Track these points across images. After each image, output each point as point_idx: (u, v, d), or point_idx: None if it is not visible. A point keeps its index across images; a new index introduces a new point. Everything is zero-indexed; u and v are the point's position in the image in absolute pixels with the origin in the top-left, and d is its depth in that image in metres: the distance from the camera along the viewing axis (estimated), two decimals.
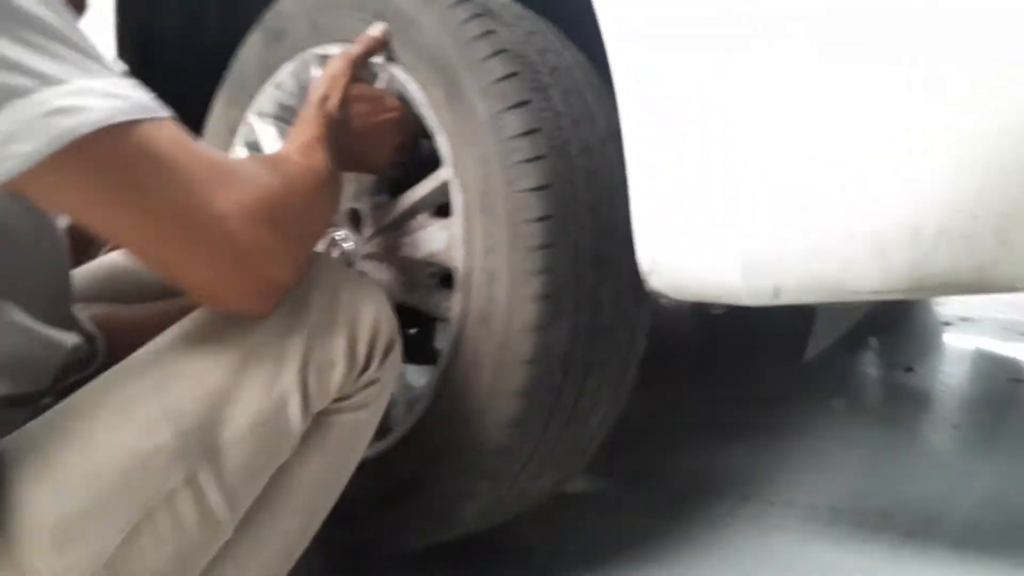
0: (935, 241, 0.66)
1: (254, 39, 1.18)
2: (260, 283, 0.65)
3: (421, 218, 0.98)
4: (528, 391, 0.86)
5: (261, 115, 1.18)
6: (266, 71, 1.16)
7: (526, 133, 0.85)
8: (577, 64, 0.94)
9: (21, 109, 0.51)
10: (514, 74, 0.87)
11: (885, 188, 0.67)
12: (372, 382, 0.76)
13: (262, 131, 1.17)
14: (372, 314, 0.74)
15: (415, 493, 0.96)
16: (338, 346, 0.71)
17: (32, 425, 0.63)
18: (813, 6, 0.69)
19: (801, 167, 0.71)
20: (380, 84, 0.99)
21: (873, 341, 1.88)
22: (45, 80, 0.52)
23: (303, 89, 1.13)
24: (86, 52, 0.56)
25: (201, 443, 0.64)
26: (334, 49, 1.04)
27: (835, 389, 1.67)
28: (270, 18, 1.15)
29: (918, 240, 0.67)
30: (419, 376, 1.02)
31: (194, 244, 0.60)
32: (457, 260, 0.91)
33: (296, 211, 0.69)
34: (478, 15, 0.91)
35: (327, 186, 0.77)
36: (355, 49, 0.94)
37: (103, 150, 0.54)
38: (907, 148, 0.66)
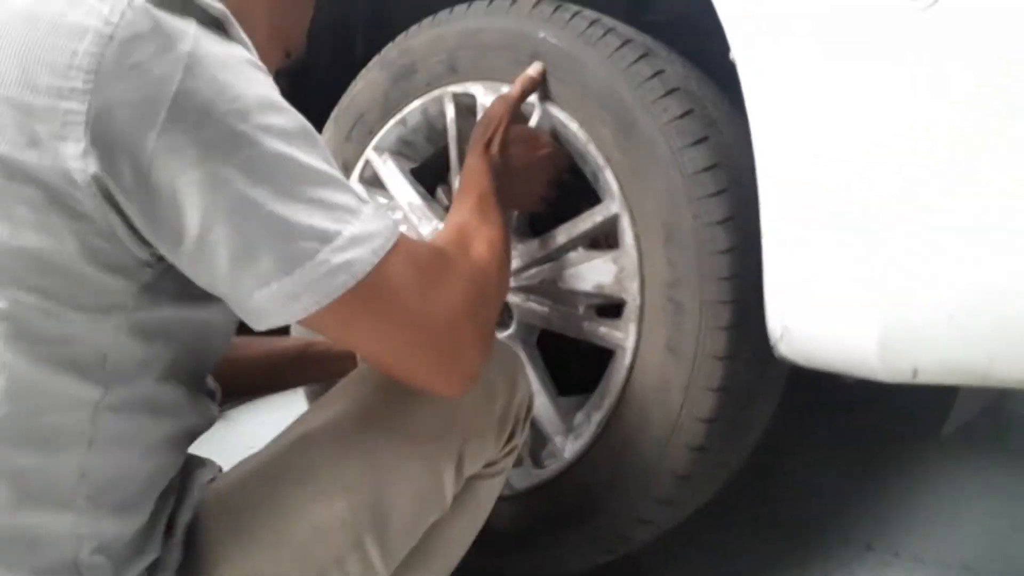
0: None
1: (375, 75, 1.18)
2: (466, 371, 0.70)
3: (581, 251, 0.99)
4: (714, 418, 0.87)
5: (380, 150, 1.18)
6: (390, 107, 1.16)
7: (708, 168, 0.87)
8: (721, 98, 0.97)
9: (306, 272, 0.58)
10: (690, 111, 0.89)
11: None
12: (513, 450, 0.85)
13: (381, 167, 1.18)
14: (524, 390, 0.83)
15: (589, 519, 0.97)
16: (493, 423, 0.79)
17: (224, 484, 0.70)
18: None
19: (952, 238, 0.67)
20: (532, 122, 1.00)
21: None
22: (323, 239, 0.58)
23: (430, 126, 1.15)
24: (337, 181, 0.61)
25: (370, 514, 0.70)
26: (475, 88, 1.06)
27: (980, 430, 1.49)
28: (395, 55, 1.16)
29: None
30: (571, 406, 1.02)
31: (415, 346, 0.66)
32: (630, 291, 0.93)
33: (492, 297, 0.76)
34: (645, 55, 0.93)
35: (507, 242, 0.82)
36: (515, 90, 0.96)
37: (363, 292, 0.60)
38: None
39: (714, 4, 0.79)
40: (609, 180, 0.95)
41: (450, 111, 1.10)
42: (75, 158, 0.53)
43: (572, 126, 0.98)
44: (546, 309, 1.03)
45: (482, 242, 0.78)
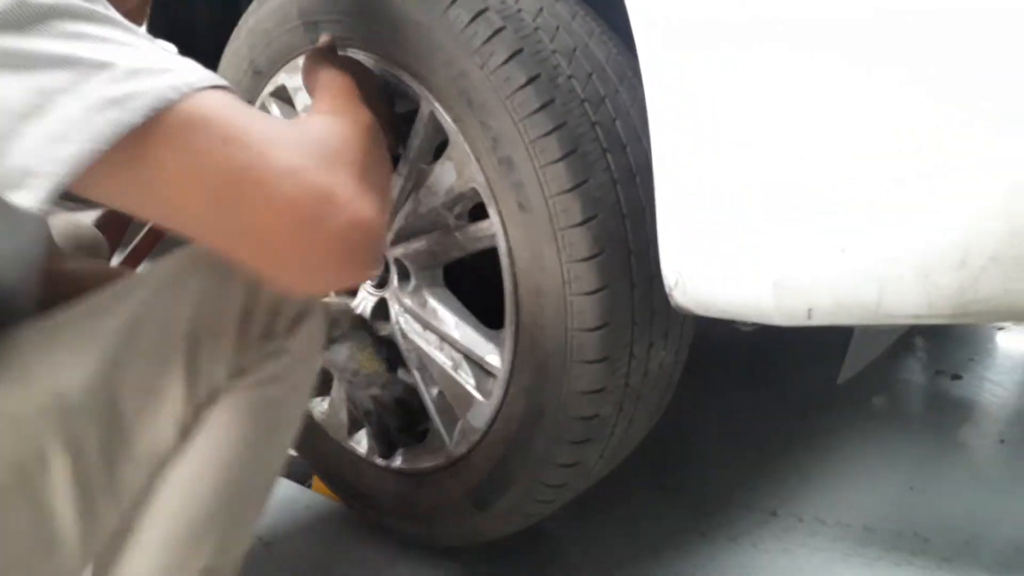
0: (986, 265, 0.61)
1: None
2: (344, 231, 0.55)
3: (423, 168, 0.97)
4: (596, 253, 0.82)
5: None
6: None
7: (491, 38, 0.83)
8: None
9: (66, 107, 0.48)
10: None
11: (934, 209, 0.62)
12: (278, 353, 0.68)
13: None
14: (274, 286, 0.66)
15: (538, 424, 0.91)
16: (231, 316, 0.65)
17: None
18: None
19: (840, 182, 0.65)
20: None
21: (918, 344, 1.80)
22: (91, 68, 0.49)
23: None
24: (125, 27, 0.53)
25: (78, 406, 0.60)
26: (280, 77, 1.06)
27: (874, 397, 1.56)
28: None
29: (968, 263, 0.61)
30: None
31: (264, 204, 0.53)
32: (473, 177, 0.89)
33: (358, 147, 0.62)
34: None
35: (375, 127, 0.71)
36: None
37: (158, 137, 0.50)
38: (960, 167, 0.60)
39: None
40: (411, 84, 0.91)
41: (276, 111, 1.10)
42: None
43: (360, 56, 0.95)
44: (425, 243, 0.97)
45: (339, 116, 0.67)
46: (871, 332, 1.12)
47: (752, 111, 0.66)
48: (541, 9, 0.85)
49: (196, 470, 0.65)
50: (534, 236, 0.83)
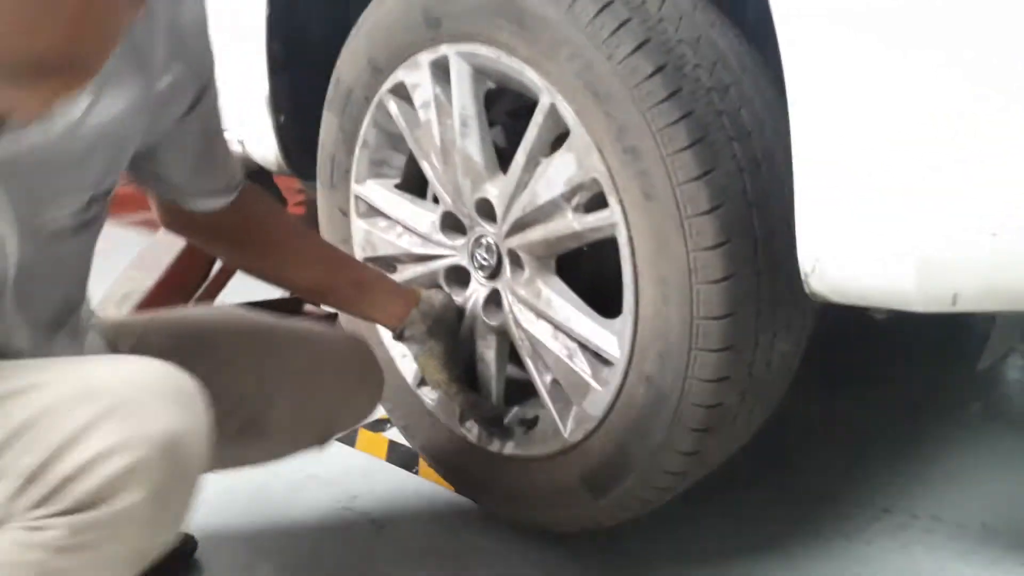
0: None
1: (327, 118, 1.25)
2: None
3: (543, 160, 1.00)
4: (722, 240, 0.84)
5: (360, 181, 1.23)
6: (349, 138, 1.22)
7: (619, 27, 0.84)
8: None
9: None
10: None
11: None
12: (39, 526, 0.60)
13: (369, 194, 1.23)
14: (99, 446, 0.59)
15: (664, 405, 0.92)
16: (23, 463, 0.59)
17: None
18: None
19: (992, 163, 0.63)
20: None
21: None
22: None
23: (388, 134, 1.19)
24: None
25: None
26: (399, 73, 1.11)
27: (983, 396, 1.57)
28: (332, 90, 1.22)
29: None
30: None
31: None
32: (594, 167, 0.90)
33: None
34: None
35: None
36: None
37: None
38: None
39: None
40: (533, 78, 0.92)
41: (394, 108, 1.13)
42: None
43: (481, 50, 0.97)
44: (541, 233, 0.99)
45: None
46: (1012, 320, 1.09)
47: (898, 96, 0.65)
48: (664, 0, 0.86)
49: None
50: (659, 224, 0.84)
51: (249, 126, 1.44)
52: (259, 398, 0.96)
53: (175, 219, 0.97)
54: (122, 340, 0.93)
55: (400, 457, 1.40)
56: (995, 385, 1.59)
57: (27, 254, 0.71)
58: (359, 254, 1.25)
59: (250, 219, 0.98)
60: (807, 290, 0.76)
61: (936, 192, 0.65)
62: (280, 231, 1.03)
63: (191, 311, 1.03)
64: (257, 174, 1.64)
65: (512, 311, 1.06)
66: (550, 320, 1.01)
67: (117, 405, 0.61)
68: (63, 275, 0.79)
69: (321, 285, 1.06)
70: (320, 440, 1.06)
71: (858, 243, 0.70)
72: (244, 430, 0.94)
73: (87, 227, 0.77)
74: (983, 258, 0.64)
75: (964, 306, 0.67)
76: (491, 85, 1.03)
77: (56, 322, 0.79)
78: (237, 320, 1.06)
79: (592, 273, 1.06)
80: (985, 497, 1.20)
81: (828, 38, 0.68)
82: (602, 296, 1.01)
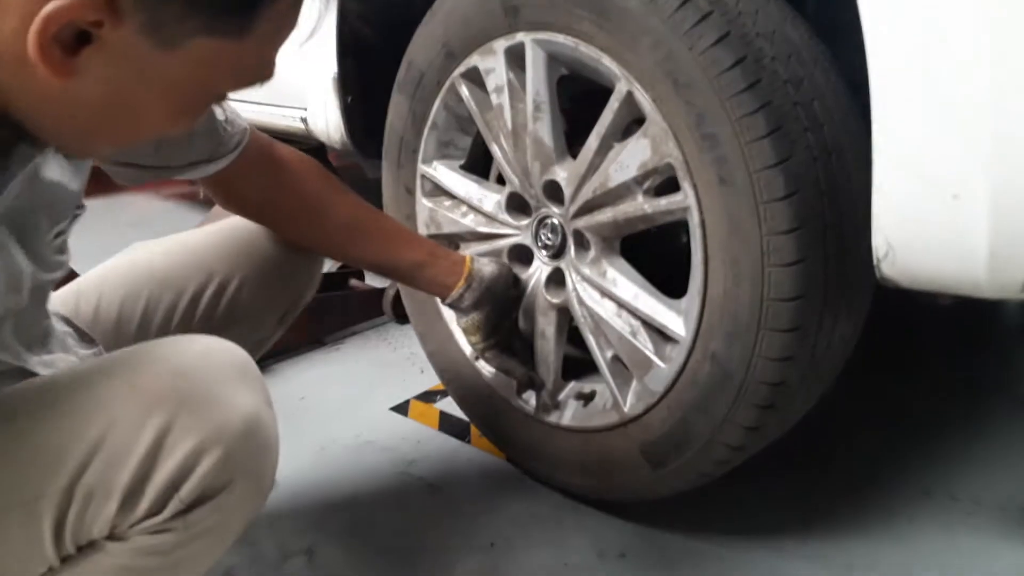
0: None
1: (397, 100, 1.30)
2: None
3: (616, 146, 1.05)
4: (795, 226, 0.87)
5: (427, 161, 1.29)
6: (419, 120, 1.28)
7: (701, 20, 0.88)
8: None
9: None
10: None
11: None
12: (160, 530, 0.64)
13: (435, 175, 1.29)
14: (187, 448, 0.63)
15: (725, 387, 0.97)
16: (119, 479, 0.62)
17: None
18: None
19: None
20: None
21: None
22: None
23: (457, 116, 1.25)
24: None
25: None
26: (473, 59, 1.16)
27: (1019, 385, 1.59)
28: (403, 73, 1.27)
29: None
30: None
31: None
32: (670, 153, 0.95)
33: None
34: None
35: None
36: None
37: None
38: None
39: None
40: (609, 65, 0.97)
41: (465, 92, 1.18)
42: None
43: (559, 38, 1.02)
44: (611, 214, 1.04)
45: None
46: None
47: (975, 88, 0.69)
48: None
49: None
50: (734, 209, 0.88)
51: (315, 105, 1.48)
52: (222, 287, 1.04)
53: (220, 198, 1.04)
54: (83, 302, 0.99)
55: (452, 427, 1.45)
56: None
57: (35, 282, 0.73)
58: (423, 231, 1.30)
59: (297, 195, 1.02)
60: (878, 275, 0.80)
61: (1009, 180, 0.69)
62: (338, 207, 1.05)
63: (137, 254, 1.07)
64: (315, 151, 1.69)
65: (576, 289, 1.11)
66: (615, 298, 1.06)
67: (184, 402, 0.63)
68: (47, 296, 0.82)
69: (379, 259, 1.10)
70: (283, 321, 1.13)
71: (931, 230, 0.74)
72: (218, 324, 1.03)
73: (66, 244, 0.79)
74: None
75: None
76: (563, 71, 1.07)
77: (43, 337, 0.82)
78: (180, 248, 1.08)
79: (653, 253, 1.11)
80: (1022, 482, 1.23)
81: (913, 36, 0.72)
82: (661, 276, 1.06)
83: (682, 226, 0.98)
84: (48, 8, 0.48)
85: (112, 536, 0.64)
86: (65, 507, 0.61)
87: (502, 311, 1.15)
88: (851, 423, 1.45)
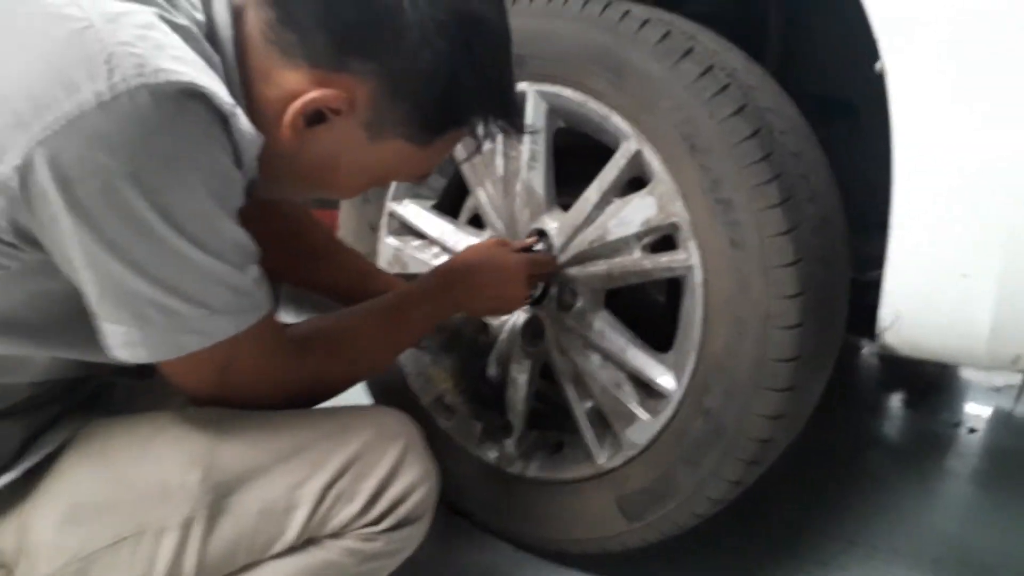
0: None
1: None
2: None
3: (617, 201, 1.08)
4: (800, 291, 0.92)
5: (397, 199, 1.28)
6: None
7: (705, 72, 0.94)
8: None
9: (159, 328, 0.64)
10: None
11: None
12: (370, 539, 0.77)
13: (404, 212, 1.28)
14: (412, 477, 0.78)
15: (715, 443, 0.99)
16: (365, 488, 0.76)
17: (116, 418, 0.75)
18: None
19: None
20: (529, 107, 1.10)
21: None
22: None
23: None
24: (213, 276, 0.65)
25: (214, 499, 0.71)
26: None
27: (948, 443, 1.79)
28: None
29: None
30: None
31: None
32: (677, 213, 0.99)
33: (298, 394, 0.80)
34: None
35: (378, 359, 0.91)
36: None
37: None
38: None
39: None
40: (619, 124, 1.00)
41: None
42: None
43: (566, 92, 1.04)
44: (604, 267, 1.05)
45: (347, 354, 0.83)
46: None
47: (990, 184, 0.77)
48: (743, 68, 0.96)
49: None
50: (744, 271, 0.92)
51: None
52: None
53: None
54: None
55: None
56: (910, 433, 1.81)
57: None
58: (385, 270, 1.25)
59: (274, 217, 1.00)
60: (878, 343, 0.87)
61: (1015, 265, 0.77)
62: (311, 236, 1.06)
63: None
64: None
65: (557, 339, 1.11)
66: (601, 350, 1.07)
67: (410, 445, 0.79)
68: None
69: (350, 291, 1.06)
70: None
71: (938, 305, 0.81)
72: None
73: None
74: None
75: (1022, 366, 0.79)
76: (561, 124, 1.09)
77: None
78: None
79: (632, 306, 1.13)
80: (936, 533, 1.36)
81: (937, 138, 0.80)
82: (637, 329, 1.08)
83: (661, 284, 1.02)
84: (313, 94, 0.67)
85: (334, 534, 0.76)
86: (319, 503, 0.74)
87: (471, 356, 1.13)
88: (782, 471, 1.53)
